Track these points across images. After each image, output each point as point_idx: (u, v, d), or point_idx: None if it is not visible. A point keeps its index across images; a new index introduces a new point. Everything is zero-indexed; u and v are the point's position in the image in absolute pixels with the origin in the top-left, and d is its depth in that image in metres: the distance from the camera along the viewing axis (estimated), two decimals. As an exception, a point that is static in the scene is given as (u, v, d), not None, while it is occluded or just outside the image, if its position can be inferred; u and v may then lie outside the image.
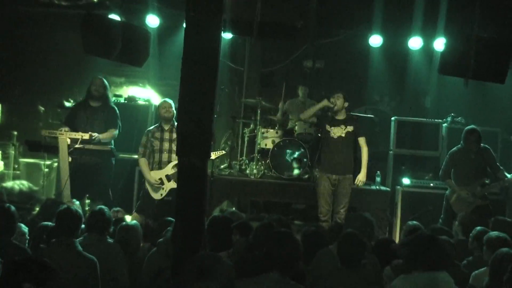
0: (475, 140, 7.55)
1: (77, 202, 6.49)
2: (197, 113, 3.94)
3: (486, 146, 7.74)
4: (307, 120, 8.19)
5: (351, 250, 4.33)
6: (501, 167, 7.74)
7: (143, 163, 7.51)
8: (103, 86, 7.83)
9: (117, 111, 7.92)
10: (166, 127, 7.52)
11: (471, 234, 5.58)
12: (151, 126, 7.96)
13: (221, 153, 8.14)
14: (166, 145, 7.48)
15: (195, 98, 3.93)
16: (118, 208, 7.10)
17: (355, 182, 7.68)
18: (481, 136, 7.61)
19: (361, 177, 7.70)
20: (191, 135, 3.93)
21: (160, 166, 7.48)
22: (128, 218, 7.15)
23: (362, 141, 7.80)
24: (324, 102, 7.69)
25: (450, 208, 7.67)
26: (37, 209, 6.88)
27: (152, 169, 7.51)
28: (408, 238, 4.20)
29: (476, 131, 7.61)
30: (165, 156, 7.49)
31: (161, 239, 5.00)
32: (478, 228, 5.63)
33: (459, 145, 7.76)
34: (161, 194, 7.47)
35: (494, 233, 5.14)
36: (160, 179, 7.42)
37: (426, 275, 3.81)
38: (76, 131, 7.38)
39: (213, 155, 7.75)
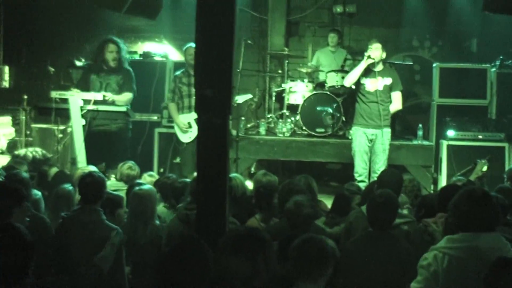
0: None
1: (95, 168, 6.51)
2: (215, 68, 3.93)
3: None
4: (352, 85, 7.81)
5: (379, 213, 4.30)
6: None
7: (172, 107, 8.09)
8: (117, 51, 7.89)
9: (133, 74, 8.00)
10: (193, 72, 7.49)
11: None
12: (169, 83, 8.31)
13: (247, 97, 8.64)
14: (194, 90, 7.51)
15: (211, 51, 3.92)
16: (150, 173, 7.15)
17: None
18: None
19: None
20: (210, 92, 3.93)
21: (190, 110, 7.91)
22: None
23: (396, 95, 7.66)
24: (366, 61, 7.42)
25: None
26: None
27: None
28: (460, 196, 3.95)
29: None
30: (194, 100, 7.56)
31: (180, 204, 5.04)
32: None
33: None
34: (190, 138, 7.94)
35: None
36: (189, 122, 7.90)
37: (473, 236, 3.68)
38: None
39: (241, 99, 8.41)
